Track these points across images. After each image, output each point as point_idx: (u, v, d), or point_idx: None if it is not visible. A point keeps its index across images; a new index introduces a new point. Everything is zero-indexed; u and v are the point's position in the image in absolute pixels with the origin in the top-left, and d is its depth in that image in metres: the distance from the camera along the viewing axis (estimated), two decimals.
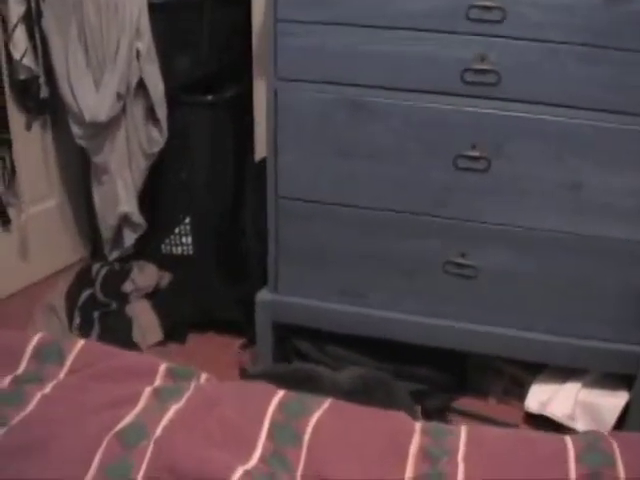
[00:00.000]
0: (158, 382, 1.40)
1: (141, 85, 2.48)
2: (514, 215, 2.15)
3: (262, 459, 1.22)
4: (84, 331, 2.55)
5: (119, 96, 2.44)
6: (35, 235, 2.83)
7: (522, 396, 2.40)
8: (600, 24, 1.93)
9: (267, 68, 2.18)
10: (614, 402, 2.27)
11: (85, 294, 2.65)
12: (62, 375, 1.41)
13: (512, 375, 2.45)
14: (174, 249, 2.80)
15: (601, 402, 2.28)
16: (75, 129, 2.50)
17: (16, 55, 2.50)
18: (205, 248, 2.79)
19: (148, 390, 1.35)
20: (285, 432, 1.27)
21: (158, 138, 2.51)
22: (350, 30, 2.08)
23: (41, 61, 2.57)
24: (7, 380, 1.39)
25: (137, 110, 2.49)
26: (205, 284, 2.73)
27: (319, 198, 2.26)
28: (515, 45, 2.00)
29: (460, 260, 2.23)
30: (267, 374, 2.10)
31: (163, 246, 2.79)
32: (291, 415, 1.31)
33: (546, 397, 2.33)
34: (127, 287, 2.66)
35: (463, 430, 1.32)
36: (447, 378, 2.46)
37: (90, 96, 2.44)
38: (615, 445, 1.26)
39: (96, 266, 2.73)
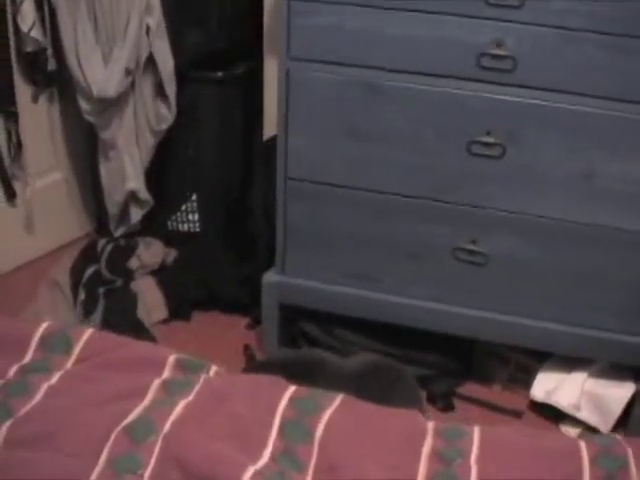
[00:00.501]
0: (167, 374, 1.38)
1: (150, 61, 2.45)
2: (527, 203, 2.13)
3: (273, 457, 1.21)
4: (89, 308, 2.53)
5: (128, 72, 2.41)
6: (40, 209, 2.80)
7: (528, 383, 2.39)
8: (624, 12, 1.89)
9: (279, 47, 2.14)
10: (620, 393, 2.26)
11: (90, 270, 2.63)
12: (69, 365, 1.39)
13: (518, 362, 2.44)
14: (180, 226, 2.78)
15: (607, 393, 2.26)
16: (83, 104, 2.47)
17: (24, 27, 2.46)
18: (212, 226, 2.77)
19: (157, 382, 1.33)
20: (296, 429, 1.26)
21: (167, 115, 2.48)
22: (366, 11, 2.05)
23: (49, 33, 2.53)
24: (13, 370, 1.37)
25: (146, 86, 2.46)
26: (211, 262, 2.71)
27: (329, 180, 2.23)
28: (533, 31, 1.96)
29: (470, 247, 2.21)
30: (273, 361, 2.09)
31: (169, 222, 2.78)
32: (302, 412, 1.30)
33: (552, 386, 2.31)
34: (133, 264, 2.64)
35: (476, 431, 1.31)
36: (453, 363, 2.45)
37: (99, 71, 2.41)
38: (630, 451, 1.25)
39: (101, 242, 2.71)
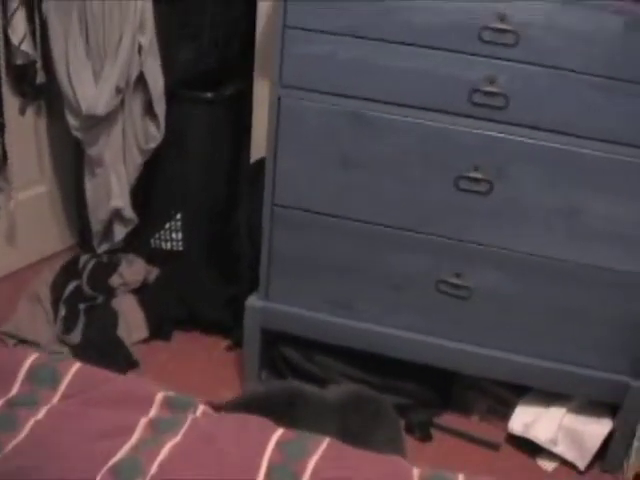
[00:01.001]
0: (154, 412, 1.37)
1: (141, 79, 2.44)
2: (512, 239, 2.14)
3: None
4: (69, 324, 2.52)
5: (118, 90, 2.40)
6: (23, 221, 2.78)
7: (506, 415, 2.40)
8: (619, 55, 1.91)
9: (272, 73, 2.14)
10: (597, 430, 2.27)
11: (71, 286, 2.61)
12: (56, 400, 1.38)
13: (497, 394, 2.45)
14: (164, 244, 2.77)
15: (585, 429, 2.28)
16: (71, 120, 2.46)
17: (14, 40, 2.44)
18: (195, 245, 2.76)
19: (144, 421, 1.32)
20: (283, 473, 1.26)
21: (155, 134, 2.47)
22: (359, 42, 2.05)
23: (39, 46, 2.51)
24: None
25: (135, 105, 2.45)
26: (193, 282, 2.70)
27: (316, 208, 2.23)
28: (526, 70, 1.98)
29: (454, 280, 2.21)
30: (256, 395, 2.08)
31: (153, 240, 2.77)
32: (289, 456, 1.29)
33: (530, 419, 2.33)
34: (114, 281, 2.63)
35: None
36: (432, 393, 2.46)
37: (89, 88, 2.40)
38: None
39: (84, 258, 2.69)
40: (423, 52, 2.02)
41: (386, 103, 2.09)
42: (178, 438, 1.30)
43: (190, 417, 1.38)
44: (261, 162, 2.41)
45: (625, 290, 2.12)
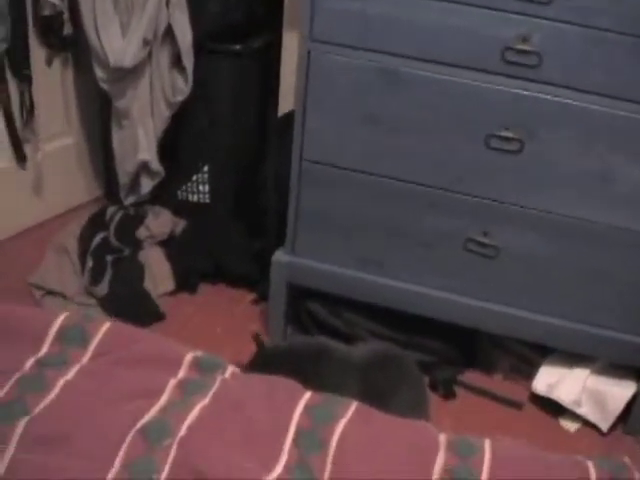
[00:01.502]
0: (182, 373, 1.38)
1: (168, 32, 2.41)
2: (542, 200, 2.12)
3: (287, 468, 1.21)
4: (96, 276, 2.53)
5: (146, 42, 2.38)
6: (50, 172, 2.79)
7: (529, 374, 2.41)
8: None
9: (301, 27, 2.11)
10: (621, 392, 2.27)
11: (98, 237, 2.62)
12: (85, 360, 1.38)
13: (521, 354, 2.45)
14: (190, 196, 2.76)
15: (609, 391, 2.28)
16: (98, 72, 2.44)
17: None
18: (222, 198, 2.76)
19: (172, 383, 1.33)
20: (311, 439, 1.26)
21: (183, 87, 2.45)
22: None
23: None
24: (29, 363, 1.36)
25: (163, 57, 2.43)
26: (220, 234, 2.71)
27: (345, 164, 2.22)
28: (560, 28, 1.93)
29: (482, 239, 2.20)
30: (282, 349, 2.09)
31: (179, 192, 2.76)
32: (317, 421, 1.30)
33: (554, 380, 2.33)
34: (141, 233, 2.63)
35: (487, 448, 1.31)
36: (456, 351, 2.46)
37: (116, 41, 2.37)
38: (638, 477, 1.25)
39: (111, 210, 2.69)
40: (456, 8, 1.98)
41: (417, 59, 2.06)
42: (207, 401, 1.31)
43: (219, 379, 1.38)
44: (289, 115, 2.39)
45: None
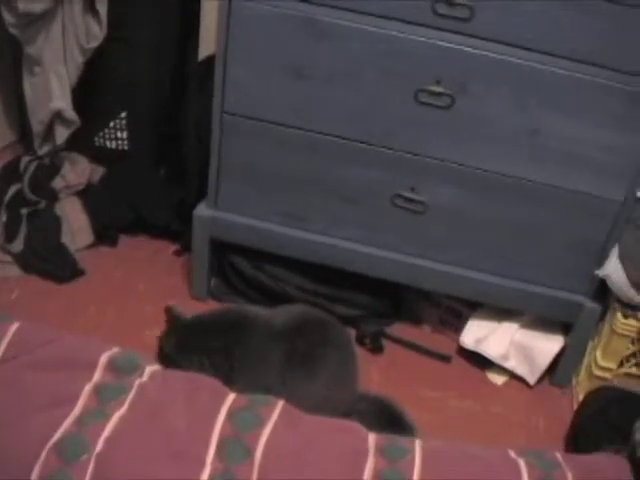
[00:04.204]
0: (98, 377, 1.30)
1: None
2: (470, 155, 2.07)
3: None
4: (11, 231, 2.41)
5: None
6: None
7: (457, 327, 2.39)
8: None
9: None
10: (549, 346, 2.27)
11: (12, 190, 2.49)
12: None
13: (448, 306, 2.43)
14: (108, 142, 2.63)
15: (536, 345, 2.28)
16: (7, 16, 2.26)
17: None
18: (141, 145, 2.63)
19: (87, 389, 1.25)
20: (235, 448, 1.21)
21: (97, 33, 2.30)
22: None
23: None
24: None
25: (75, 2, 2.27)
26: (140, 184, 2.60)
27: (268, 117, 2.13)
28: None
29: (409, 194, 2.15)
30: (199, 321, 2.02)
31: (96, 139, 2.63)
32: (241, 428, 1.24)
33: (482, 334, 2.32)
34: (57, 183, 2.50)
35: (418, 450, 1.27)
36: (383, 304, 2.43)
37: None
38: (569, 476, 1.23)
39: (24, 160, 2.54)
40: None
41: (344, 10, 1.96)
42: (124, 409, 1.24)
43: (137, 383, 1.31)
44: (211, 59, 2.28)
45: (584, 212, 2.08)
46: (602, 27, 1.85)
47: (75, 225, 2.49)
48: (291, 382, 1.89)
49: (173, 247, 2.61)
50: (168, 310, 2.07)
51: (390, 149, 2.10)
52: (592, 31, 1.86)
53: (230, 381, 1.56)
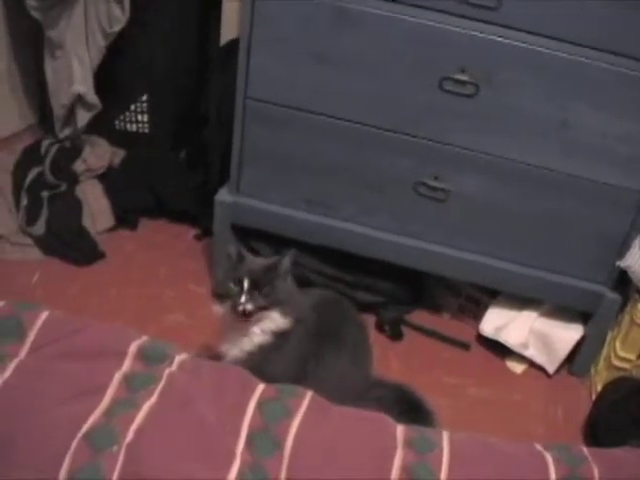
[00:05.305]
0: (128, 365, 1.30)
1: None
2: (495, 144, 2.06)
3: (240, 473, 1.16)
4: (32, 214, 2.42)
5: None
6: None
7: (477, 315, 2.39)
8: None
9: None
10: (568, 335, 2.27)
11: (33, 173, 2.49)
12: (23, 353, 1.29)
13: (468, 294, 2.43)
14: (129, 126, 2.64)
15: (556, 334, 2.28)
16: None
17: None
18: (162, 128, 2.64)
19: (117, 378, 1.25)
20: (265, 440, 1.21)
21: (120, 16, 2.29)
22: None
23: None
24: None
25: None
26: (160, 167, 2.60)
27: (292, 103, 2.12)
28: None
29: (433, 182, 2.15)
30: None
31: (117, 122, 2.63)
32: (271, 419, 1.24)
33: (501, 322, 2.32)
34: (78, 167, 2.51)
35: (445, 443, 1.27)
36: (404, 291, 2.43)
37: None
38: (596, 472, 1.23)
39: (45, 143, 2.55)
40: None
41: None
42: (154, 399, 1.24)
43: (166, 372, 1.31)
44: (232, 43, 2.28)
45: (606, 203, 2.07)
46: (629, 17, 1.84)
47: (95, 208, 2.49)
48: (322, 356, 1.88)
49: (193, 231, 2.61)
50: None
51: (414, 137, 2.10)
52: (618, 21, 1.85)
53: None
